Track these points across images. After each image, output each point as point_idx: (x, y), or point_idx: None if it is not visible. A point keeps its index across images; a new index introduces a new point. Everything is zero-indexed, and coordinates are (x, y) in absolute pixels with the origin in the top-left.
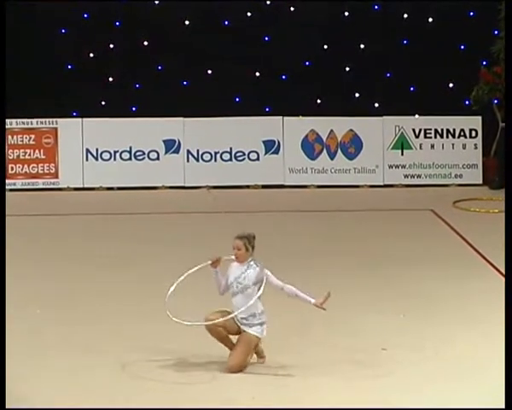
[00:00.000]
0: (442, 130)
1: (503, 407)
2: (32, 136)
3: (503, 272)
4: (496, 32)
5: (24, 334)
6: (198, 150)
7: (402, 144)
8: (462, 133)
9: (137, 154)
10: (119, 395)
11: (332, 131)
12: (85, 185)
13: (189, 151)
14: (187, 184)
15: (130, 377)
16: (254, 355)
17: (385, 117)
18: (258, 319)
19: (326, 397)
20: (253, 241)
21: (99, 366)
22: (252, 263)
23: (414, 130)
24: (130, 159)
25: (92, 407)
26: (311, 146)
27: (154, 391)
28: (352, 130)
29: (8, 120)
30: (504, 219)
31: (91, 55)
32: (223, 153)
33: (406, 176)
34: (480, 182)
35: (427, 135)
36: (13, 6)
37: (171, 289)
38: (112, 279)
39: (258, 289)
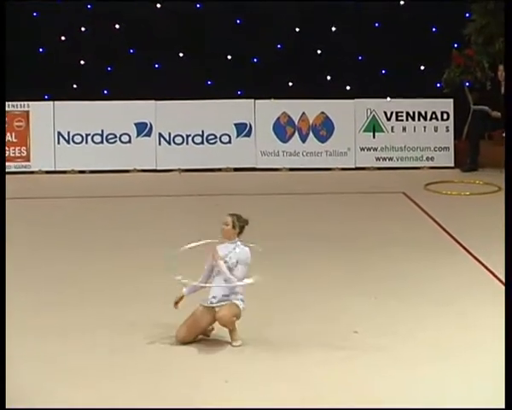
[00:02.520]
0: (414, 113)
1: (503, 406)
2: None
3: (475, 255)
4: (467, 15)
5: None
6: (170, 133)
7: (373, 127)
8: (433, 116)
9: (109, 137)
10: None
11: (304, 113)
12: (57, 168)
13: (160, 134)
14: (159, 168)
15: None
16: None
17: (356, 100)
18: (241, 295)
19: (297, 380)
20: (242, 222)
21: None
22: (239, 243)
23: (385, 113)
24: (101, 142)
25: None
26: (282, 129)
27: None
28: (323, 112)
29: None
30: (504, 220)
31: (63, 38)
32: (194, 136)
33: (378, 159)
34: (452, 165)
35: (399, 118)
36: None
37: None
38: (84, 262)
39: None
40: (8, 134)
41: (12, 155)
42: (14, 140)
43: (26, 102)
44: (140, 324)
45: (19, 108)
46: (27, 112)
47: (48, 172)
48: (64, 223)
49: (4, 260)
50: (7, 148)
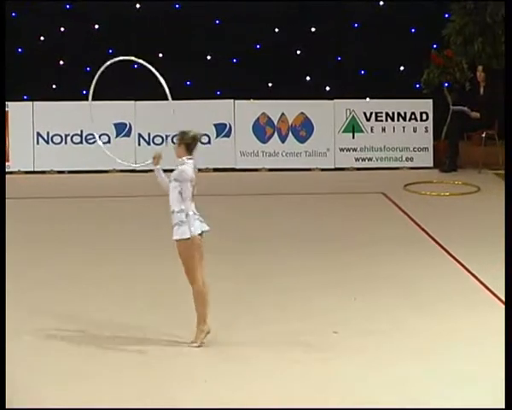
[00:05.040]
0: (393, 113)
1: (503, 406)
2: None
3: (454, 255)
4: (446, 16)
5: None
6: (149, 134)
7: (353, 127)
8: (413, 116)
9: (88, 137)
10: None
11: (283, 114)
12: (36, 169)
13: (140, 135)
14: (139, 168)
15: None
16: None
17: (336, 100)
18: (176, 218)
19: (271, 381)
20: (187, 139)
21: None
22: (186, 160)
23: (365, 113)
24: (81, 142)
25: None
26: (262, 129)
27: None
28: (303, 113)
29: None
30: (504, 219)
31: (42, 38)
32: (174, 136)
33: (357, 159)
34: (431, 165)
35: (378, 118)
36: None
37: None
38: (62, 260)
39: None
40: None
41: None
42: None
43: (5, 103)
44: (119, 326)
45: None
46: (6, 112)
47: (27, 173)
48: (42, 223)
49: (4, 261)
50: None
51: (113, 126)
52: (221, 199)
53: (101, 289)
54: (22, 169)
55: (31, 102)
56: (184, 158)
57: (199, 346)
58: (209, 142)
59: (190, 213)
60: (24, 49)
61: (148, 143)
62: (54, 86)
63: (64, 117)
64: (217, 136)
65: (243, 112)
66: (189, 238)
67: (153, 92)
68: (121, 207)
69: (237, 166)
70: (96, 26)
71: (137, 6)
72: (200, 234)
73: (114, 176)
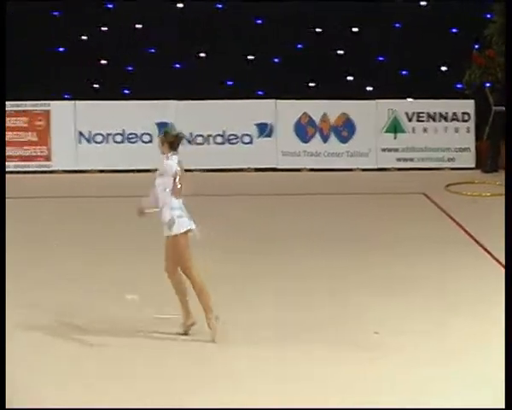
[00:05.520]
0: (435, 113)
1: (503, 407)
2: (25, 118)
3: (495, 256)
4: (488, 16)
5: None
6: (191, 133)
7: (395, 128)
8: (454, 117)
9: (130, 136)
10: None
11: (325, 114)
12: (78, 168)
13: None
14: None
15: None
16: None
17: (378, 100)
18: (166, 214)
19: (322, 383)
20: (170, 137)
21: None
22: (170, 156)
23: (407, 113)
24: (122, 141)
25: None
26: (303, 129)
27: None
28: (344, 113)
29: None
30: (504, 220)
31: (83, 37)
32: (216, 136)
33: (399, 159)
34: (473, 165)
35: (420, 118)
36: None
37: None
38: (103, 261)
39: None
40: (29, 133)
41: (33, 154)
42: (35, 139)
43: (47, 102)
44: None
45: (40, 108)
46: (48, 111)
47: (68, 172)
48: (83, 221)
49: (4, 261)
50: (28, 147)
51: (155, 125)
52: (262, 199)
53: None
54: (64, 168)
55: (73, 102)
56: (168, 154)
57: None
58: (251, 142)
59: (178, 210)
60: (66, 48)
61: (190, 143)
62: (95, 85)
63: (105, 116)
64: (258, 136)
65: (285, 112)
66: (180, 234)
67: (194, 91)
68: None
69: (279, 166)
70: (138, 25)
71: (180, 5)
72: (187, 231)
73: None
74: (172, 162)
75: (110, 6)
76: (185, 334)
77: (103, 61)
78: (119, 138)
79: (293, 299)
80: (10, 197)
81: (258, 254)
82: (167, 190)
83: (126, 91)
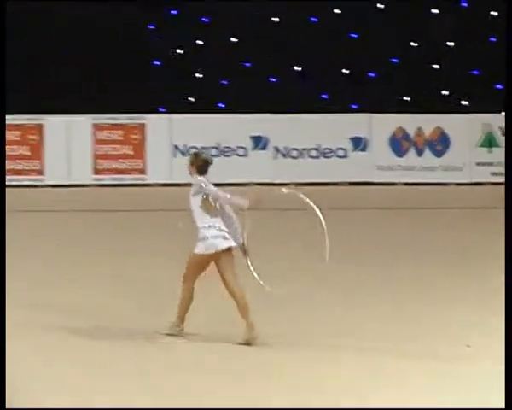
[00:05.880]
0: None
1: (503, 407)
2: (120, 131)
3: None
4: None
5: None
6: (286, 147)
7: (490, 142)
8: None
9: (225, 150)
10: None
11: (419, 128)
12: (173, 181)
13: (276, 148)
14: (275, 181)
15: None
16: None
17: (472, 115)
18: (199, 233)
19: (410, 390)
20: (198, 161)
21: None
22: (199, 178)
23: (501, 128)
24: (218, 155)
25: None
26: (398, 143)
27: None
28: (439, 127)
29: (95, 116)
30: (505, 221)
31: (179, 51)
32: (310, 149)
33: (494, 174)
34: None
35: None
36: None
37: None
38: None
39: (205, 198)
40: (125, 147)
41: (128, 167)
42: (131, 153)
43: (142, 115)
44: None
45: (135, 121)
46: (143, 125)
47: (164, 185)
48: (178, 235)
49: (4, 261)
50: (123, 160)
51: (249, 139)
52: (356, 213)
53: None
54: (159, 181)
55: (168, 115)
56: (197, 177)
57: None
58: (345, 155)
59: (210, 229)
60: (161, 61)
61: (285, 156)
62: (191, 99)
63: (201, 130)
64: (353, 149)
65: (380, 125)
66: (201, 254)
67: (289, 105)
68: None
69: (373, 180)
70: (233, 39)
71: (276, 19)
72: (226, 249)
73: (251, 189)
74: (203, 179)
75: (206, 20)
76: (170, 334)
77: (199, 75)
78: (214, 152)
79: (395, 309)
80: (104, 210)
81: (357, 264)
82: (200, 208)
83: (221, 105)
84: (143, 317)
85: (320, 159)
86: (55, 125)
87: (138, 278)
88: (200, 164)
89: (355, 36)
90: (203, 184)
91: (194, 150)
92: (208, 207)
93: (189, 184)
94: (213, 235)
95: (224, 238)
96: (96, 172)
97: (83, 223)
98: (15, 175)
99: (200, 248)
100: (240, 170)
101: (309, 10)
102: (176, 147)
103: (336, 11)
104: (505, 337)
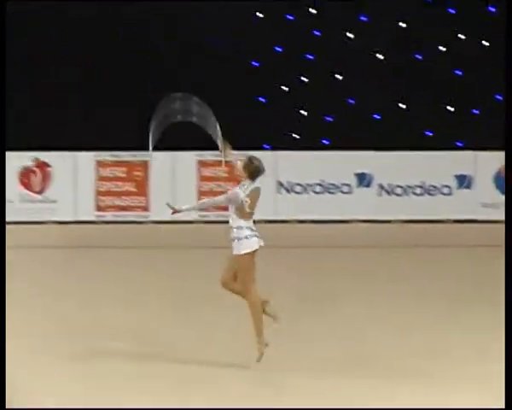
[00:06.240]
0: None
1: (503, 407)
2: (225, 168)
3: None
4: None
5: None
6: (390, 184)
7: None
8: None
9: (329, 187)
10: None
11: None
12: (278, 218)
13: (380, 185)
14: (379, 218)
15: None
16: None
17: None
18: (234, 233)
19: None
20: (253, 167)
21: None
22: (244, 182)
23: None
24: (322, 192)
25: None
26: (503, 181)
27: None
28: None
29: (200, 152)
30: (505, 223)
31: (285, 88)
32: (415, 187)
33: None
34: None
35: None
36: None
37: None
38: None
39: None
40: (229, 183)
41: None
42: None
43: (246, 152)
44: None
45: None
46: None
47: (268, 222)
48: (283, 273)
49: (4, 262)
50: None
51: (354, 176)
52: (460, 250)
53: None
54: (264, 218)
55: (272, 152)
56: (245, 181)
57: (259, 358)
58: (450, 193)
59: (247, 230)
60: (267, 98)
61: (389, 194)
62: (295, 136)
63: (305, 166)
64: (458, 187)
65: (484, 163)
66: (246, 253)
67: (393, 142)
68: (368, 258)
69: (478, 218)
70: (338, 76)
71: (380, 57)
72: (254, 251)
73: (357, 226)
74: (239, 190)
75: (310, 57)
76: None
77: (303, 112)
78: (318, 188)
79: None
80: (210, 247)
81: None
82: (235, 212)
83: (326, 141)
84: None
85: (424, 196)
86: (160, 160)
87: None
88: (253, 170)
89: (459, 73)
90: (241, 197)
91: (250, 155)
92: (243, 212)
93: (295, 221)
94: (250, 234)
95: (258, 237)
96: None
97: (191, 259)
98: (122, 211)
99: (245, 247)
100: (344, 207)
101: (414, 48)
102: (280, 183)
103: (441, 48)
104: (505, 337)
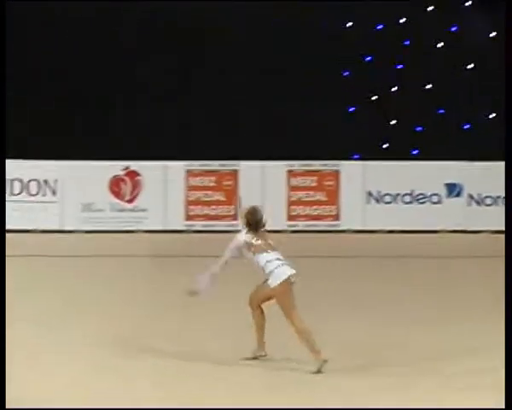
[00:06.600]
0: None
1: (503, 407)
2: (315, 178)
3: None
4: None
5: None
6: (479, 194)
7: None
8: None
9: (419, 197)
10: None
11: None
12: (366, 228)
13: (470, 195)
14: (468, 228)
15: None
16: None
17: None
18: (266, 269)
19: None
20: (252, 220)
21: None
22: (243, 229)
23: None
24: (411, 202)
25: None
26: None
27: None
28: None
29: (288, 162)
30: (505, 223)
31: (374, 97)
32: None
33: None
34: None
35: None
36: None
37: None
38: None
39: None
40: (319, 193)
41: (322, 213)
42: (325, 199)
43: (336, 162)
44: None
45: (329, 168)
46: (337, 171)
47: (357, 232)
48: (370, 280)
49: (4, 263)
50: (317, 206)
51: (443, 186)
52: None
53: None
54: (352, 228)
55: (361, 162)
56: (243, 228)
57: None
58: None
59: (276, 261)
60: (356, 107)
61: (479, 204)
62: (385, 146)
63: (394, 176)
64: None
65: None
66: (282, 282)
67: (484, 152)
68: (446, 267)
69: None
70: (428, 86)
71: (469, 67)
72: (287, 279)
73: (446, 236)
74: (237, 235)
75: (400, 67)
76: (254, 358)
77: (393, 122)
78: (407, 198)
79: None
80: (298, 256)
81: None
82: (254, 252)
83: (415, 152)
84: None
85: None
86: (250, 170)
87: None
88: (250, 222)
89: None
90: (242, 238)
91: (252, 206)
92: (260, 248)
93: (383, 231)
94: (280, 264)
95: (289, 265)
96: (290, 218)
97: None
98: (211, 221)
99: (278, 277)
100: (433, 217)
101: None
102: (369, 193)
103: None
104: (505, 337)
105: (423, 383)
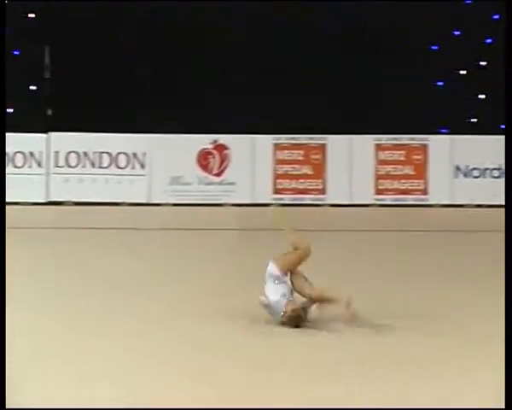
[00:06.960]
0: None
1: (503, 407)
2: (403, 152)
3: None
4: None
5: None
6: None
7: None
8: None
9: None
10: None
11: None
12: (454, 202)
13: None
14: None
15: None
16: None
17: None
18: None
19: None
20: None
21: None
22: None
23: None
24: (499, 176)
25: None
26: None
27: None
28: None
29: (375, 136)
30: (505, 222)
31: (462, 72)
32: None
33: None
34: None
35: None
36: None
37: None
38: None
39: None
40: (407, 167)
41: (410, 187)
42: (412, 173)
43: (424, 136)
44: None
45: (417, 141)
46: (425, 145)
47: (444, 206)
48: (450, 254)
49: (4, 262)
50: (406, 180)
51: None
52: None
53: None
54: (440, 202)
55: (450, 136)
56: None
57: None
58: None
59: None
60: (444, 82)
61: None
62: (473, 120)
63: (483, 151)
64: None
65: None
66: None
67: None
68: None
69: None
70: None
71: None
72: None
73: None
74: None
75: (489, 40)
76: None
77: (481, 96)
78: (496, 173)
79: None
80: (383, 230)
81: None
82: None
83: (503, 126)
84: None
85: None
86: (337, 144)
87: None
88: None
89: None
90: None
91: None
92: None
93: (471, 205)
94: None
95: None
96: (378, 192)
97: (366, 242)
98: (299, 194)
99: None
100: None
101: None
102: (457, 168)
103: None
104: (505, 337)
105: None
